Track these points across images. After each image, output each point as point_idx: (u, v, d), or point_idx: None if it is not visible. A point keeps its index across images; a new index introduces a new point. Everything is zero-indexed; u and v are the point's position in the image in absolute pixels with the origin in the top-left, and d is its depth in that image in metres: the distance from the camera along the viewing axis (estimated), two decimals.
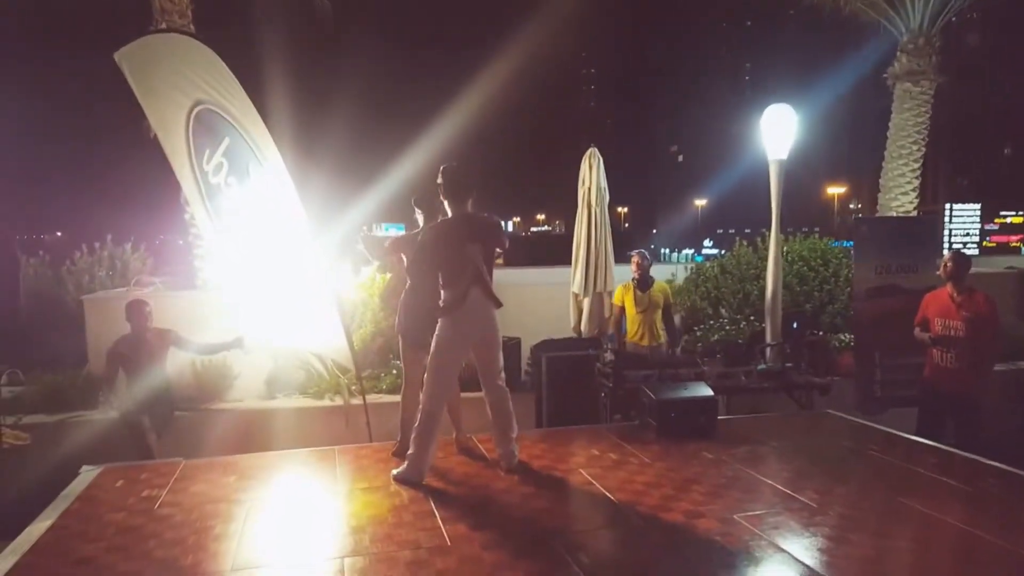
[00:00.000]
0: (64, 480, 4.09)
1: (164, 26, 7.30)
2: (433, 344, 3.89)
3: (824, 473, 3.99)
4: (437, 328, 3.89)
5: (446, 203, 3.97)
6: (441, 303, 3.88)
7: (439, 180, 3.96)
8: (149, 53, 4.73)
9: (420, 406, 3.90)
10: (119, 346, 5.37)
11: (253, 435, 5.61)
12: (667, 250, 48.49)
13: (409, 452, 3.90)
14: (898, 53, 9.31)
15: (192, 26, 7.54)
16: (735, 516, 3.37)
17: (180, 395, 6.01)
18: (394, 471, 3.94)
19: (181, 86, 4.75)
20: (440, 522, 3.34)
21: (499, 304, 3.96)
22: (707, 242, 52.30)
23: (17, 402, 6.00)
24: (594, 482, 3.89)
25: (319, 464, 4.32)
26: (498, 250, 4.13)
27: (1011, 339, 6.80)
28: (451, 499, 3.68)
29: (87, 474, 4.18)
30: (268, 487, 3.96)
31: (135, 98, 4.74)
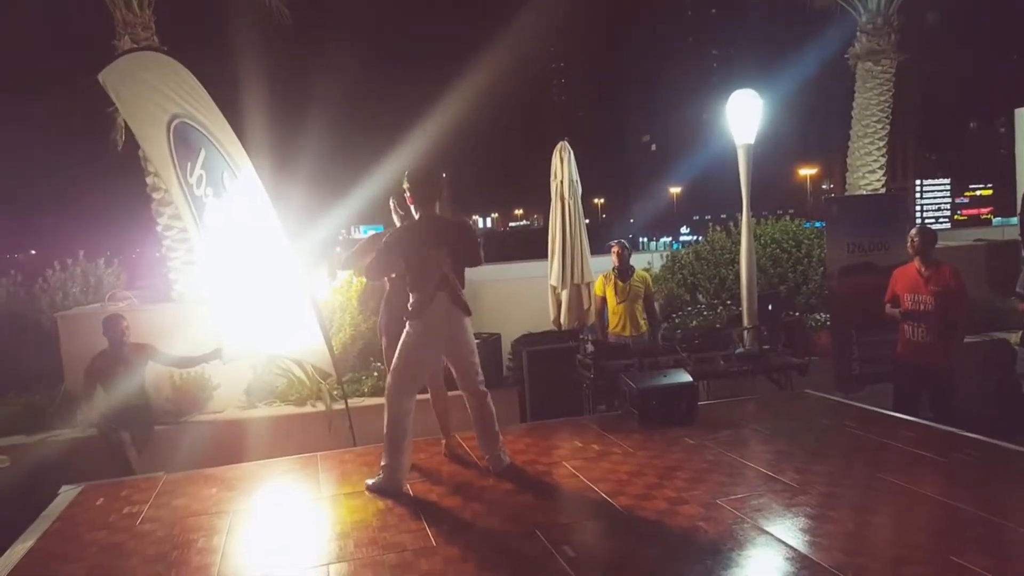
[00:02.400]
0: (44, 501, 4.04)
1: (127, 38, 7.21)
2: (398, 347, 3.84)
3: (804, 453, 4.05)
4: (404, 332, 3.84)
5: (412, 207, 3.94)
6: (409, 306, 3.82)
7: (405, 184, 3.92)
8: (128, 71, 4.74)
9: (385, 414, 3.83)
10: (97, 362, 5.32)
11: (235, 445, 5.56)
12: (645, 239, 48.76)
13: (383, 463, 3.83)
14: (858, 33, 9.42)
15: (156, 38, 7.45)
16: (718, 500, 3.41)
17: (159, 409, 5.95)
18: (368, 481, 3.86)
19: (158, 101, 4.77)
20: (425, 523, 3.34)
21: (467, 311, 3.87)
22: (684, 229, 52.69)
23: None
24: (578, 474, 3.91)
25: (302, 471, 4.30)
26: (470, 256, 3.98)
27: (983, 310, 6.92)
28: (435, 499, 3.69)
29: (67, 493, 4.13)
30: (251, 497, 3.93)
31: (104, 114, 4.73)
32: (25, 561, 3.26)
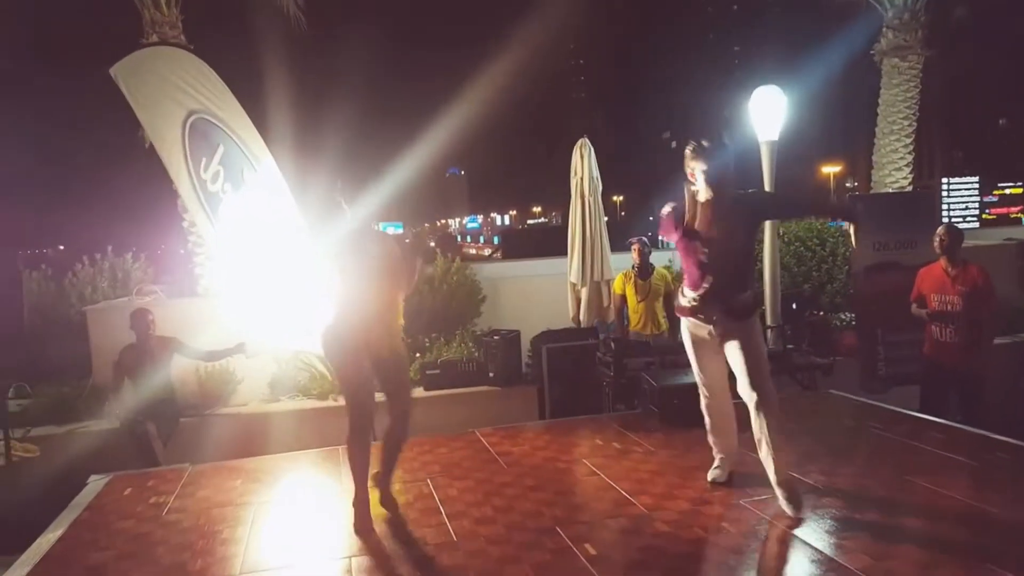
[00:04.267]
0: (73, 490, 4.12)
1: (155, 38, 7.30)
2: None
3: (829, 454, 4.01)
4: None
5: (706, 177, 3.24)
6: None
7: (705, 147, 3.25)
8: (142, 66, 4.76)
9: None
10: (124, 355, 5.40)
11: (258, 438, 5.62)
12: (663, 237, 48.35)
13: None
14: (884, 28, 9.26)
15: (183, 36, 7.54)
16: (741, 501, 3.39)
17: (184, 401, 6.03)
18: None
19: (175, 96, 4.79)
20: (446, 518, 3.36)
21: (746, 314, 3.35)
22: None
23: (25, 415, 6.02)
24: (598, 472, 3.90)
25: (324, 465, 4.33)
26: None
27: (1011, 311, 6.80)
28: (456, 495, 3.70)
29: (95, 483, 4.21)
30: (274, 489, 3.98)
31: (131, 110, 4.75)
32: (56, 548, 3.33)
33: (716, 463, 3.70)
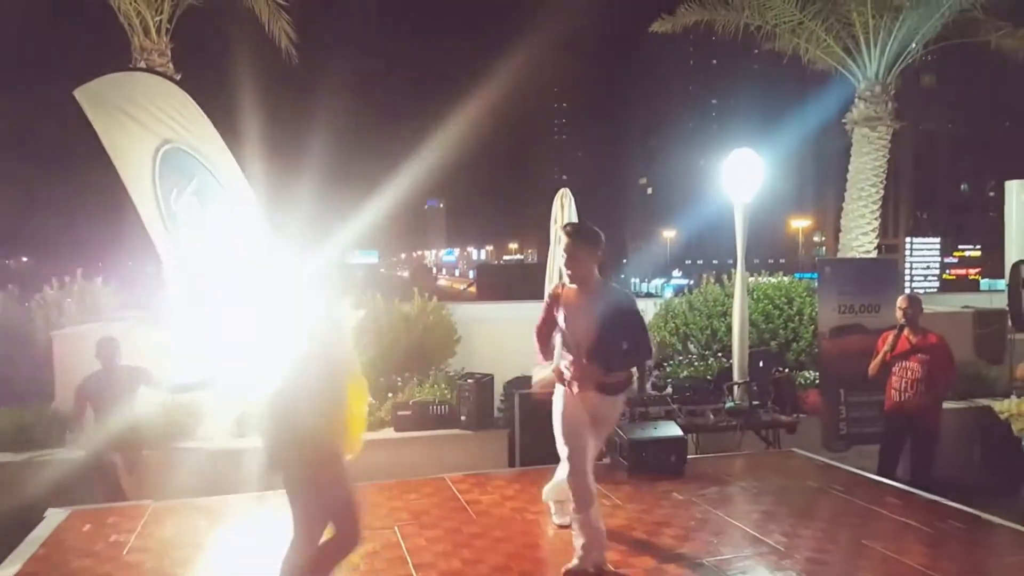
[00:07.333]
0: (30, 523, 4.02)
1: (143, 64, 7.33)
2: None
3: (791, 515, 4.10)
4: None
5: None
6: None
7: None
8: (113, 91, 4.67)
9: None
10: (88, 383, 5.29)
11: (223, 475, 5.53)
12: (637, 280, 49.03)
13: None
14: (856, 99, 9.70)
15: (172, 64, 7.58)
16: (705, 560, 3.45)
17: (149, 433, 5.92)
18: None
19: (147, 124, 4.72)
20: (412, 569, 3.36)
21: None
22: (676, 272, 52.99)
23: None
24: (566, 525, 3.92)
25: (290, 508, 4.28)
26: None
27: (967, 377, 7.03)
28: (424, 544, 3.70)
29: (53, 517, 4.12)
30: (237, 532, 3.93)
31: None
32: None
33: (556, 509, 3.94)
